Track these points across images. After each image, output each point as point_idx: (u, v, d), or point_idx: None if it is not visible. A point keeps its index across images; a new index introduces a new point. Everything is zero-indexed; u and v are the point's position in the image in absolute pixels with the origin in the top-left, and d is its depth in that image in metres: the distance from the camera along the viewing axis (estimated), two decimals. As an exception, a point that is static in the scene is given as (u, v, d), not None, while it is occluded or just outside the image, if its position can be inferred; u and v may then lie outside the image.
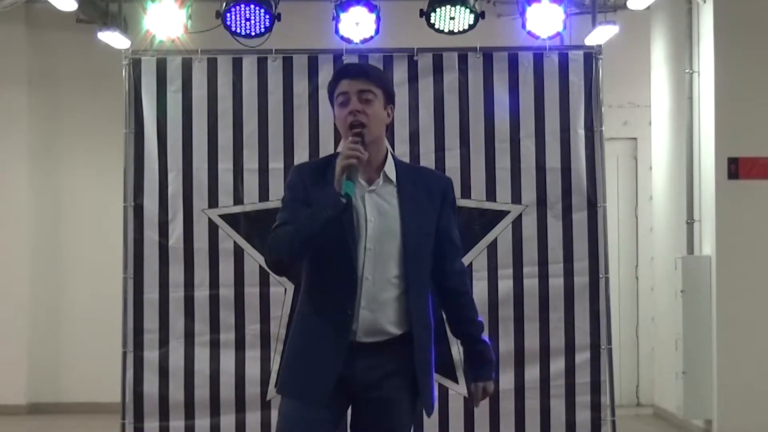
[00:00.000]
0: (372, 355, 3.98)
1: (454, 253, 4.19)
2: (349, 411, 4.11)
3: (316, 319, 4.03)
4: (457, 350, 6.51)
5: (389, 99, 4.09)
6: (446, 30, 7.42)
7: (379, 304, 3.98)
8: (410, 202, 4.03)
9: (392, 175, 4.06)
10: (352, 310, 3.95)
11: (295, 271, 4.16)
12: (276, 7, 7.24)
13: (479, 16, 7.38)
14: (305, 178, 4.02)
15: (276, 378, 6.36)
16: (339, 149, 4.04)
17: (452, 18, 7.38)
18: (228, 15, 7.15)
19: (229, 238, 6.60)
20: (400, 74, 6.66)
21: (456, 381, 6.55)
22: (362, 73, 4.06)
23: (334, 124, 4.59)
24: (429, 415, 4.11)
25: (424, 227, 4.05)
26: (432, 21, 7.39)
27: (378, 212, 4.01)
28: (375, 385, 4.00)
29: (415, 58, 6.69)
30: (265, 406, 6.50)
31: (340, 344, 3.96)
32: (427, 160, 6.61)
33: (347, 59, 6.64)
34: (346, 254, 3.94)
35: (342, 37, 7.14)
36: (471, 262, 6.58)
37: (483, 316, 6.42)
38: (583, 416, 6.58)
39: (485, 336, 4.24)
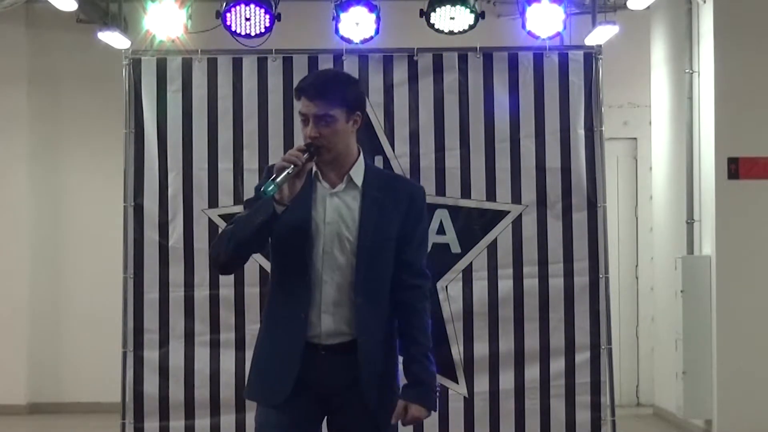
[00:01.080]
0: (337, 357, 3.95)
1: (409, 267, 4.04)
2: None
3: (274, 322, 4.01)
4: (457, 350, 6.52)
5: (354, 108, 3.99)
6: (446, 30, 7.43)
7: (338, 307, 3.95)
8: (372, 208, 3.98)
9: (358, 180, 4.01)
10: (306, 314, 3.92)
11: (236, 270, 4.17)
12: (276, 7, 7.24)
13: (479, 16, 7.38)
14: (269, 177, 3.91)
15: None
16: None
17: (452, 18, 7.38)
18: (228, 15, 7.15)
19: (229, 238, 6.59)
20: (400, 74, 6.66)
21: (456, 381, 6.55)
22: (318, 94, 3.92)
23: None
24: (384, 429, 4.01)
25: (383, 232, 3.97)
26: (432, 21, 7.39)
27: (337, 215, 3.97)
28: (344, 388, 3.97)
29: (415, 58, 6.69)
30: (265, 406, 6.50)
31: (295, 347, 3.93)
32: (427, 160, 6.62)
33: (347, 59, 6.64)
34: (301, 257, 3.92)
35: (342, 37, 7.14)
36: (471, 262, 6.58)
37: (483, 316, 6.55)
38: (583, 416, 6.58)
39: (429, 360, 4.04)
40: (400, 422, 4.03)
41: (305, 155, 3.85)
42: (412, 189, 4.16)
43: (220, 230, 6.57)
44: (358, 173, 4.03)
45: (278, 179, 3.79)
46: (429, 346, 4.06)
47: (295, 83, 6.75)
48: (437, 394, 4.11)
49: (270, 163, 4.25)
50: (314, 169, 3.99)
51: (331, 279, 3.94)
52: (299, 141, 6.56)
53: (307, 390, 3.96)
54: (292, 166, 3.81)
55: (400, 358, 4.09)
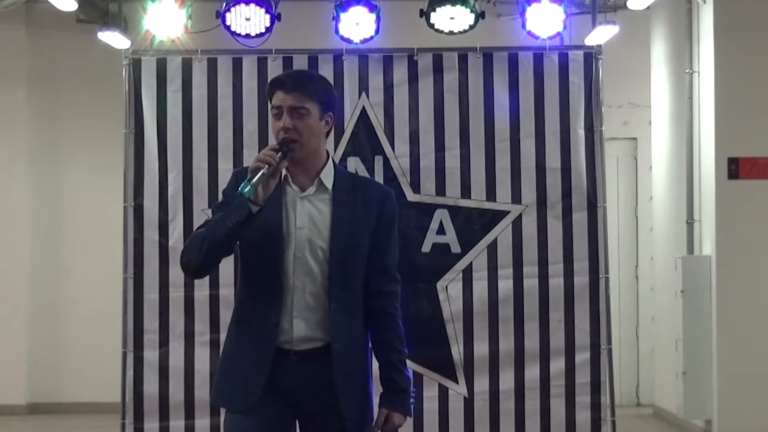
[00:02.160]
0: (309, 363, 3.93)
1: (383, 272, 4.04)
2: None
3: (245, 327, 3.98)
4: (457, 350, 6.52)
5: (327, 108, 4.00)
6: (446, 30, 7.42)
7: (311, 312, 3.93)
8: (343, 211, 3.96)
9: (328, 183, 4.00)
10: (277, 318, 3.89)
11: (208, 274, 4.13)
12: (276, 7, 7.23)
13: (479, 16, 7.38)
14: (238, 182, 3.93)
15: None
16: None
17: (452, 18, 7.38)
18: (228, 15, 7.15)
19: (229, 238, 6.59)
20: (400, 74, 6.65)
21: (456, 381, 6.55)
22: (296, 86, 3.94)
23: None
24: None
25: (355, 237, 3.96)
26: (432, 21, 7.39)
27: (308, 219, 3.95)
28: (315, 395, 3.94)
29: (415, 58, 6.68)
30: (265, 406, 6.50)
31: (265, 352, 3.90)
32: (427, 160, 6.61)
33: (347, 59, 6.64)
34: (272, 262, 3.89)
35: (342, 37, 7.14)
36: (471, 262, 6.57)
37: (483, 316, 6.55)
38: (583, 416, 6.57)
39: (406, 367, 4.06)
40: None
41: (278, 154, 3.85)
42: (383, 193, 4.12)
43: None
44: (328, 176, 4.01)
45: (254, 180, 3.78)
46: (405, 351, 4.07)
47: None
48: (413, 400, 4.11)
49: (239, 167, 4.24)
50: (284, 172, 3.97)
51: (302, 284, 3.92)
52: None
53: (277, 396, 3.93)
54: (267, 166, 3.80)
55: (375, 364, 4.09)
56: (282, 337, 3.92)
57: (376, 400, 4.13)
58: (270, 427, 3.95)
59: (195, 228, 6.51)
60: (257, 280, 3.94)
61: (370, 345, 4.08)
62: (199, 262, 3.91)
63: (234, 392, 3.98)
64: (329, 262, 3.92)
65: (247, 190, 3.76)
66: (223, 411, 6.46)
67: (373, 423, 4.02)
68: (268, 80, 6.58)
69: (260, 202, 3.81)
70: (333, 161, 4.06)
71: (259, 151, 6.50)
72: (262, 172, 3.80)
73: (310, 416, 3.99)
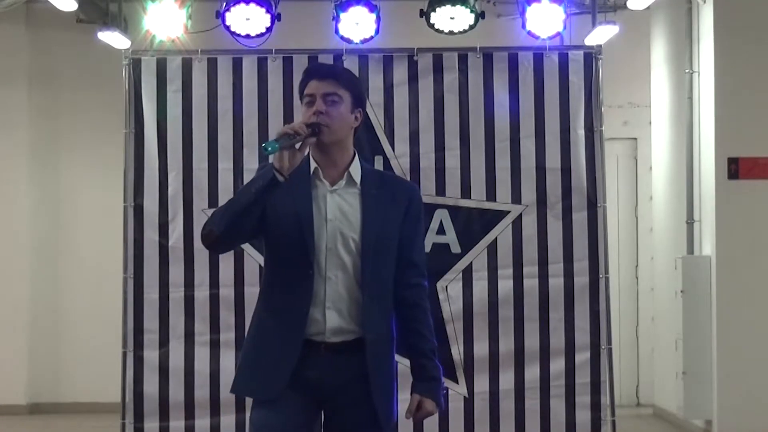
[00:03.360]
0: (340, 355, 3.94)
1: (411, 265, 4.08)
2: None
3: (272, 318, 3.99)
4: (457, 350, 6.52)
5: (358, 102, 4.05)
6: (446, 30, 7.43)
7: (344, 304, 3.95)
8: (372, 205, 4.00)
9: (357, 177, 4.04)
10: (308, 308, 3.91)
11: (227, 249, 4.08)
12: (276, 7, 7.23)
13: (479, 16, 7.38)
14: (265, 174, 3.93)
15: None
16: None
17: (452, 18, 7.38)
18: (228, 15, 7.15)
19: (229, 238, 6.59)
20: (400, 74, 6.66)
21: (456, 381, 6.55)
22: (331, 74, 4.02)
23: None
24: (386, 428, 4.01)
25: (385, 231, 4.00)
26: (432, 21, 7.39)
27: (339, 211, 3.98)
28: (343, 387, 3.96)
29: (415, 58, 6.69)
30: (265, 406, 6.49)
31: (294, 340, 3.91)
32: (427, 160, 6.62)
33: (347, 59, 6.64)
34: (304, 253, 3.91)
35: (342, 37, 7.14)
36: (471, 262, 6.58)
37: (483, 316, 6.55)
38: (583, 416, 6.58)
39: (437, 356, 4.10)
40: (397, 420, 4.04)
41: (309, 129, 3.87)
42: (410, 188, 4.20)
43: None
44: (356, 171, 4.05)
45: (280, 140, 3.79)
46: (435, 342, 4.11)
47: (296, 83, 6.81)
48: (444, 391, 4.14)
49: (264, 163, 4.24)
50: (314, 165, 4.01)
51: (335, 276, 3.94)
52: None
53: (305, 390, 3.94)
54: (294, 134, 3.82)
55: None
56: (313, 328, 3.94)
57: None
58: (297, 422, 3.96)
59: (194, 228, 6.60)
60: (287, 271, 3.96)
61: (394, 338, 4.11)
62: (220, 231, 3.90)
63: (260, 381, 3.98)
64: (361, 254, 3.96)
65: (269, 145, 3.76)
66: (222, 411, 6.55)
67: (406, 410, 4.05)
68: (268, 80, 6.68)
69: (285, 173, 3.82)
70: (359, 158, 4.10)
71: (259, 151, 6.61)
72: (287, 135, 3.81)
73: (338, 410, 4.00)
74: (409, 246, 4.06)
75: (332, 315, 3.94)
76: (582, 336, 6.60)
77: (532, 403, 6.58)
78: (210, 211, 6.58)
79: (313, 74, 4.02)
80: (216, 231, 3.91)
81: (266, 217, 3.92)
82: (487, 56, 6.69)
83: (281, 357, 3.93)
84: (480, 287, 6.57)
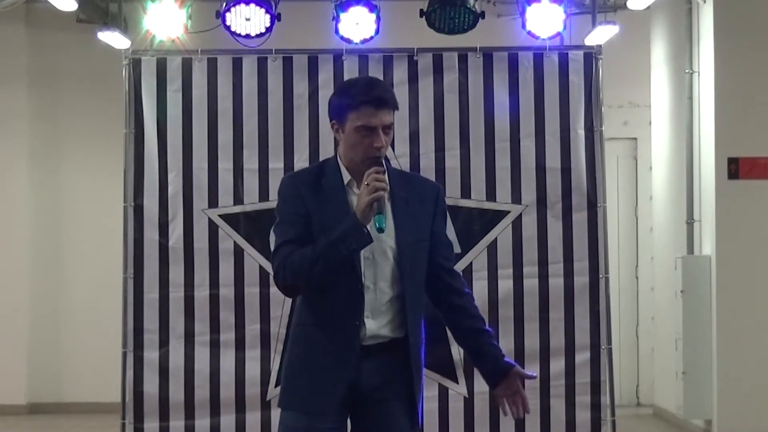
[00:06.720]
0: (375, 358, 3.99)
1: (450, 255, 4.22)
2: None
3: (321, 330, 4.01)
4: (457, 350, 6.51)
5: None
6: (446, 30, 7.42)
7: (380, 311, 3.99)
8: (403, 209, 4.04)
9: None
10: (360, 320, 3.96)
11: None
12: (276, 7, 7.23)
13: (479, 16, 7.38)
14: (301, 190, 4.00)
15: (276, 380, 6.36)
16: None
17: (452, 18, 7.38)
18: (228, 15, 7.15)
19: (229, 238, 6.60)
20: (400, 74, 6.66)
21: (456, 381, 6.55)
22: (388, 103, 3.99)
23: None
24: (415, 425, 4.08)
25: (418, 233, 4.05)
26: (432, 21, 7.39)
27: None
28: (378, 388, 4.00)
29: (415, 58, 6.69)
30: (265, 406, 6.50)
31: (350, 354, 3.96)
32: (427, 160, 6.62)
33: (347, 59, 6.64)
34: (351, 265, 3.95)
35: (342, 37, 7.14)
36: (471, 262, 6.58)
37: (483, 316, 6.54)
38: (583, 416, 6.58)
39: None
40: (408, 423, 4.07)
41: (384, 174, 3.92)
42: (434, 188, 4.24)
43: (219, 230, 6.59)
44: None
45: (382, 211, 3.86)
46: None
47: (295, 83, 6.82)
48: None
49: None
50: (347, 177, 4.04)
51: (373, 284, 3.99)
52: (299, 140, 6.63)
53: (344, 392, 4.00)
54: (384, 191, 3.87)
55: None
56: (359, 337, 3.99)
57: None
58: (332, 426, 3.99)
59: (194, 228, 6.59)
60: (333, 284, 3.97)
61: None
62: (309, 284, 3.96)
63: (315, 394, 3.98)
64: (398, 261, 4.00)
65: (378, 221, 3.84)
66: (223, 411, 6.54)
67: (512, 387, 4.35)
68: (268, 80, 6.68)
69: (366, 223, 3.89)
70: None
71: (259, 151, 6.62)
72: (379, 199, 3.86)
73: (367, 411, 4.03)
74: (441, 243, 4.14)
75: (370, 323, 3.99)
76: (582, 336, 6.60)
77: (532, 403, 6.50)
78: (210, 212, 6.61)
79: (385, 103, 3.97)
80: (302, 284, 3.97)
81: (312, 233, 3.97)
82: (487, 56, 6.69)
83: (336, 370, 3.96)
84: (480, 287, 6.57)
